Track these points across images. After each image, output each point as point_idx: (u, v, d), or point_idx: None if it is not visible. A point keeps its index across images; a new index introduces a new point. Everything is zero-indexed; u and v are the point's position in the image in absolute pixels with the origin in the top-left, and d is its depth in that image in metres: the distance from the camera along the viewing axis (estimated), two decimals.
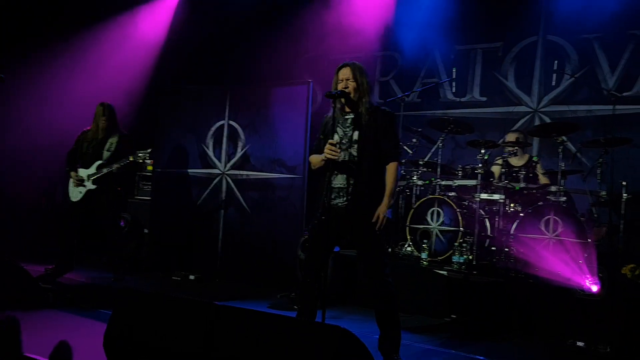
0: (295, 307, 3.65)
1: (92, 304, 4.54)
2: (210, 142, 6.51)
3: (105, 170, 5.50)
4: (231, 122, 6.40)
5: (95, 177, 5.52)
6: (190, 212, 6.51)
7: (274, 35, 7.98)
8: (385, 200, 3.38)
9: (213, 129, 6.51)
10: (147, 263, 6.56)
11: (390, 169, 3.44)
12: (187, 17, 7.96)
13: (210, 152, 6.50)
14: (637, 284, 4.55)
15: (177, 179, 6.64)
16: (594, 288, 4.22)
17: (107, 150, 5.60)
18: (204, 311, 2.57)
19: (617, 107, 5.68)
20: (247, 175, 6.21)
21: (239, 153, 6.31)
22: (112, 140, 5.64)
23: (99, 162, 5.55)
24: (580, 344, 4.17)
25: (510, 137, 6.08)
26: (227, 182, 6.34)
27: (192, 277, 6.18)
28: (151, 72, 7.85)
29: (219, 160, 6.43)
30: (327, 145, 3.37)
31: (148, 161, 6.83)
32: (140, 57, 7.80)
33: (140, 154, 5.46)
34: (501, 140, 6.23)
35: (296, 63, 8.36)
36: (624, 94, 6.37)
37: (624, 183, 5.38)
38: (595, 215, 5.61)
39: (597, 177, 5.55)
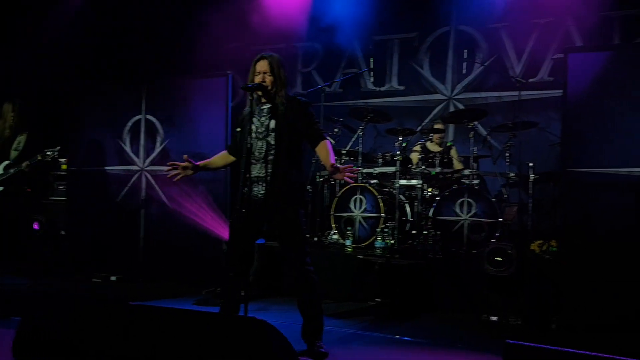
0: (220, 301, 3.63)
1: (4, 311, 4.32)
2: (127, 138, 6.32)
3: (12, 171, 5.23)
4: (148, 117, 6.24)
5: (2, 178, 5.24)
6: (109, 211, 6.30)
7: (191, 25, 7.83)
8: (331, 165, 3.39)
9: (129, 124, 6.32)
10: (65, 266, 6.30)
11: (323, 146, 3.47)
12: (101, 7, 7.66)
13: (128, 148, 6.31)
14: (544, 259, 4.86)
15: (93, 178, 6.40)
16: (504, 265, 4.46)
17: (15, 150, 5.33)
18: (118, 312, 2.52)
19: (523, 92, 6.00)
20: (167, 170, 6.07)
21: (158, 148, 6.16)
22: (20, 139, 5.38)
23: (6, 162, 5.27)
24: (493, 318, 4.41)
25: (436, 125, 6.33)
26: (147, 179, 6.19)
27: (113, 278, 6.00)
28: (63, 66, 7.51)
29: (137, 156, 6.26)
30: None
31: (62, 160, 6.57)
32: (52, 50, 7.44)
33: (48, 152, 5.23)
34: (419, 128, 6.45)
35: (216, 54, 8.23)
36: (530, 80, 6.73)
37: (531, 164, 5.70)
38: (506, 196, 5.92)
39: (506, 160, 5.86)
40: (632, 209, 4.27)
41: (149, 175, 6.18)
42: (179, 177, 3.61)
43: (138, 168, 6.24)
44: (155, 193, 6.11)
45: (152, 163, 6.18)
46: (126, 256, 6.13)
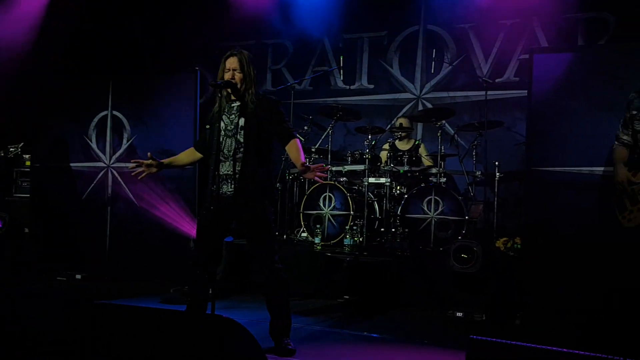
0: (187, 299, 3.61)
1: None
2: (93, 134, 6.21)
3: None
4: (115, 113, 6.14)
5: None
6: (74, 208, 6.19)
7: (160, 20, 7.73)
8: (301, 164, 3.40)
9: (96, 119, 6.21)
10: (29, 264, 6.16)
11: (293, 145, 3.47)
12: (66, 1, 7.49)
13: (94, 145, 6.20)
14: (509, 256, 4.95)
15: (58, 174, 6.27)
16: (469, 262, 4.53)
17: None
18: (82, 310, 2.47)
19: (490, 92, 6.10)
20: (130, 168, 5.99)
21: (125, 145, 6.07)
22: None
23: None
24: (459, 314, 4.48)
25: (398, 122, 6.37)
26: (113, 176, 6.09)
27: (78, 276, 5.89)
28: (26, 61, 7.32)
29: (103, 152, 6.15)
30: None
31: (26, 156, 6.42)
32: (15, 43, 7.24)
33: (11, 149, 5.10)
34: (388, 126, 6.49)
35: (184, 50, 8.16)
36: (496, 80, 6.85)
37: (496, 163, 5.81)
38: (472, 194, 6.02)
39: (473, 158, 5.95)
40: (593, 207, 4.39)
41: (115, 172, 6.09)
42: (143, 175, 3.56)
43: (104, 165, 6.14)
44: (122, 190, 6.02)
45: (119, 160, 6.08)
46: (92, 254, 6.04)
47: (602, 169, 4.35)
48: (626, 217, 3.48)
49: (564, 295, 4.33)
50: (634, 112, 3.54)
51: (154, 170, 3.56)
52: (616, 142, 3.68)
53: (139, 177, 3.57)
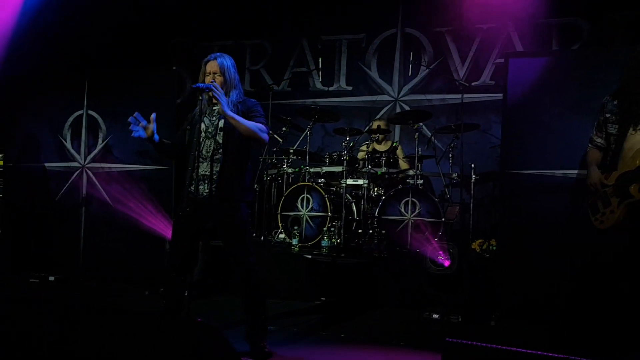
0: (162, 302, 3.57)
1: None
2: (67, 134, 6.11)
3: None
4: (90, 112, 6.05)
5: None
6: (48, 209, 6.08)
7: (138, 19, 7.64)
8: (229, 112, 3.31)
9: (71, 119, 6.12)
10: (1, 266, 6.03)
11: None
12: None
13: (68, 145, 6.11)
14: (484, 257, 5.01)
15: (31, 175, 6.15)
16: (446, 263, 4.57)
17: None
18: (55, 313, 2.44)
19: (466, 95, 6.16)
20: (109, 168, 5.92)
21: (100, 145, 5.98)
22: None
23: None
24: (435, 315, 4.51)
25: (375, 124, 6.40)
26: (88, 176, 6.00)
27: (52, 278, 5.79)
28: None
29: (78, 152, 6.06)
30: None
31: None
32: None
33: None
34: (367, 128, 6.52)
35: (162, 49, 8.10)
36: (472, 83, 6.93)
37: (472, 165, 5.88)
38: (448, 196, 6.07)
39: (449, 161, 6.01)
40: (567, 210, 4.45)
41: (90, 173, 6.00)
42: (137, 134, 3.40)
43: (79, 165, 6.05)
44: (97, 191, 5.94)
45: (94, 160, 5.99)
46: (66, 256, 5.94)
47: (575, 171, 4.42)
48: (599, 219, 3.54)
49: (538, 296, 4.39)
50: (607, 115, 3.60)
51: (145, 134, 3.41)
52: (590, 145, 3.75)
53: (132, 135, 3.40)
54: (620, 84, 3.58)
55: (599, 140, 3.68)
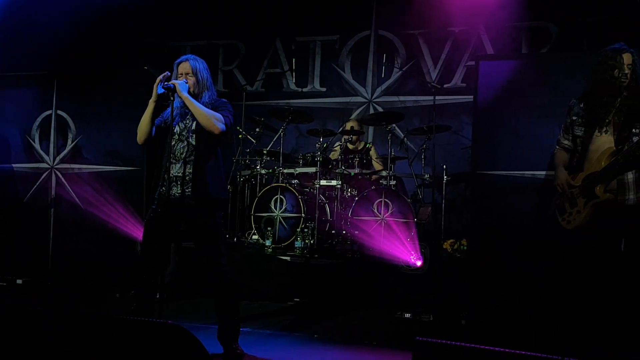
0: (133, 305, 3.53)
1: None
2: (36, 134, 6.00)
3: None
4: (60, 112, 5.95)
5: None
6: (16, 210, 5.95)
7: (107, 17, 7.53)
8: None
9: (39, 119, 6.00)
10: None
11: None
12: None
13: (37, 145, 5.99)
14: (455, 257, 5.07)
15: None
16: (418, 263, 4.62)
17: None
18: (22, 316, 2.39)
19: (438, 97, 6.23)
20: (79, 169, 5.82)
21: (69, 145, 5.88)
22: None
23: None
24: (407, 315, 4.55)
25: (349, 125, 6.42)
26: (57, 177, 5.90)
27: (19, 281, 5.68)
28: None
29: (47, 153, 5.95)
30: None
31: None
32: None
33: None
34: (340, 129, 6.54)
35: (132, 48, 7.99)
36: (444, 85, 7.01)
37: (444, 166, 5.94)
38: (421, 197, 6.13)
39: (422, 162, 6.07)
40: (536, 210, 4.54)
41: (59, 174, 5.89)
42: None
43: (47, 166, 5.94)
44: (66, 192, 5.84)
45: (63, 161, 5.89)
46: (34, 258, 5.82)
47: (544, 172, 4.51)
48: (566, 219, 3.61)
49: (509, 295, 4.46)
50: (574, 118, 3.68)
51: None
52: (557, 147, 3.82)
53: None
54: (587, 88, 3.67)
55: (566, 142, 3.76)
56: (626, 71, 3.45)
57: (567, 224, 3.59)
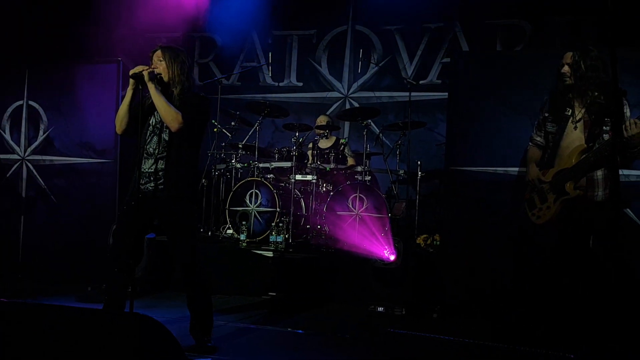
0: (104, 298, 3.49)
1: None
2: (6, 125, 5.88)
3: None
4: (31, 103, 5.84)
5: None
6: None
7: (82, 7, 7.41)
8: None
9: (10, 110, 5.89)
10: None
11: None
12: None
13: (7, 136, 5.87)
14: (428, 252, 5.12)
15: None
16: (392, 257, 4.66)
17: None
18: None
19: (414, 94, 6.27)
20: (51, 160, 5.73)
21: (41, 136, 5.78)
22: None
23: None
24: (380, 308, 4.59)
25: (321, 120, 6.43)
26: (28, 169, 5.80)
27: None
28: None
29: (18, 144, 5.84)
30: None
31: None
32: None
33: None
34: (316, 124, 6.54)
35: (107, 40, 7.86)
36: (420, 82, 7.06)
37: (419, 162, 5.99)
38: (395, 192, 6.18)
39: (396, 157, 6.11)
40: (508, 206, 4.60)
41: (30, 166, 5.79)
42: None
43: (18, 157, 5.83)
44: (37, 184, 5.74)
45: (34, 152, 5.79)
46: (4, 252, 5.71)
47: (516, 169, 4.58)
48: (535, 214, 3.67)
49: (480, 290, 4.52)
50: (546, 115, 3.75)
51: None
52: (530, 143, 3.89)
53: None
54: (554, 87, 3.73)
55: (538, 139, 3.83)
56: (563, 70, 3.58)
57: (537, 219, 3.66)
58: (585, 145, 3.49)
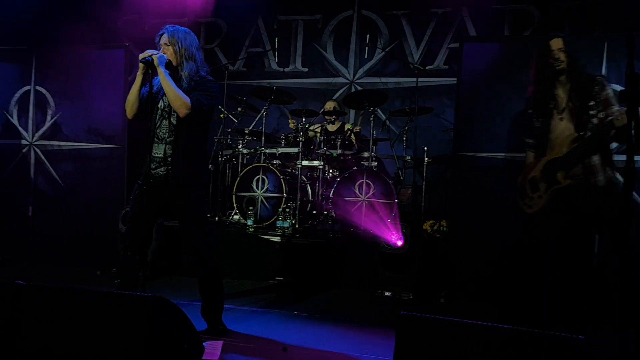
0: (116, 282, 3.52)
1: None
2: (14, 110, 5.90)
3: None
4: (38, 88, 5.86)
5: None
6: None
7: None
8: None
9: (17, 95, 5.91)
10: None
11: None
12: None
13: (15, 121, 5.90)
14: (435, 238, 5.15)
15: None
16: (399, 243, 4.68)
17: None
18: (4, 291, 2.38)
19: (421, 79, 6.26)
20: (59, 146, 5.75)
21: (49, 122, 5.80)
22: None
23: None
24: (387, 293, 4.63)
25: (329, 105, 6.43)
26: (36, 154, 5.82)
27: None
28: None
29: (26, 130, 5.87)
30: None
31: None
32: None
33: None
34: (322, 110, 6.54)
35: (114, 25, 7.86)
36: (427, 67, 7.03)
37: (425, 148, 6.00)
38: (402, 178, 6.19)
39: (403, 143, 6.11)
40: (513, 191, 4.60)
41: (38, 151, 5.82)
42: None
43: (27, 142, 5.86)
44: (46, 169, 5.77)
45: (42, 137, 5.82)
46: (12, 236, 5.76)
47: (522, 154, 4.56)
48: (527, 203, 3.66)
49: (486, 274, 4.55)
50: (530, 112, 3.71)
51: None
52: (526, 149, 3.83)
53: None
54: (536, 77, 3.68)
55: (530, 140, 3.78)
56: (556, 55, 3.50)
57: (528, 208, 3.64)
58: (577, 134, 3.45)
